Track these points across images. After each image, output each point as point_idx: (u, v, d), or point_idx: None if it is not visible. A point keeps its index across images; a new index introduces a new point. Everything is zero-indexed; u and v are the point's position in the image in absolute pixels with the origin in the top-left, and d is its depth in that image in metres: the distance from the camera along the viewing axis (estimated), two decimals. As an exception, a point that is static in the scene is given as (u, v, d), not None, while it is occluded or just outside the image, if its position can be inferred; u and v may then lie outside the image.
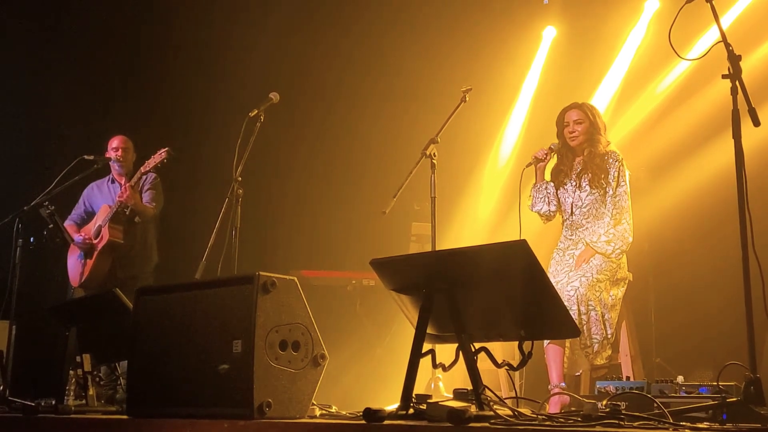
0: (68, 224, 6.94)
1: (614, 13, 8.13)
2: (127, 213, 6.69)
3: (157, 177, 6.89)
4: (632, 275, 5.59)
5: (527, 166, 5.73)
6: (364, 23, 8.73)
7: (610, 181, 5.46)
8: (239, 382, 3.21)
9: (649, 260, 7.02)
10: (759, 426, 2.65)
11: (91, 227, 6.85)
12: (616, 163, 5.50)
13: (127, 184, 6.63)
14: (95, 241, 6.72)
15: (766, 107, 5.01)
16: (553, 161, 5.81)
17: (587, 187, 5.52)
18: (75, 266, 6.82)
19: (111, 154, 6.95)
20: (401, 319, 3.81)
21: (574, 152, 5.71)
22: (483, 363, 3.28)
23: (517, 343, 3.28)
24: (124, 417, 3.66)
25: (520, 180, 5.65)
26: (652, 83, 8.08)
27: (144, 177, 6.77)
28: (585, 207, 5.53)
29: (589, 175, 5.53)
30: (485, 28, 8.39)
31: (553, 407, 4.87)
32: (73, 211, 7.06)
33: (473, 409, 2.94)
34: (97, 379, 4.49)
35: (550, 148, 5.71)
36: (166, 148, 6.56)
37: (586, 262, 5.37)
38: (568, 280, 5.32)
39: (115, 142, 6.99)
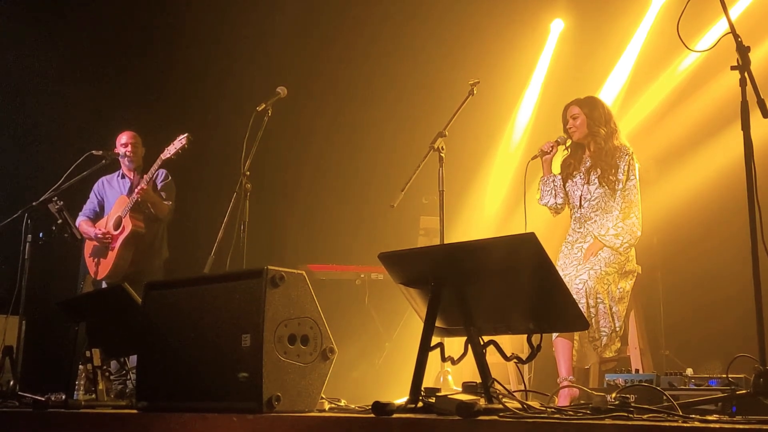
0: (83, 219, 6.96)
1: (622, 6, 8.12)
2: (147, 206, 6.73)
3: (168, 175, 6.91)
4: (641, 268, 5.59)
5: (533, 159, 5.76)
6: (372, 17, 8.72)
7: (620, 175, 5.46)
8: (248, 376, 3.22)
9: (658, 253, 7.01)
10: (769, 418, 2.64)
11: (107, 220, 6.86)
12: (626, 157, 5.50)
13: (143, 186, 6.62)
14: (116, 233, 6.73)
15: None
16: (560, 154, 5.82)
17: (596, 181, 5.53)
18: (97, 260, 6.83)
19: (120, 149, 6.96)
20: (410, 313, 3.81)
21: (581, 146, 5.72)
22: (492, 356, 3.28)
23: (525, 336, 3.28)
24: (134, 411, 3.67)
25: (525, 173, 5.66)
26: (660, 75, 8.06)
27: (157, 173, 6.77)
28: (594, 200, 5.53)
29: (599, 171, 5.54)
30: (492, 22, 8.38)
31: (562, 400, 4.87)
32: (85, 206, 7.08)
33: (482, 402, 2.94)
34: (107, 373, 4.51)
35: (556, 141, 5.73)
36: (186, 134, 6.56)
37: (594, 255, 5.37)
38: (577, 273, 5.32)
39: (123, 138, 7.00)
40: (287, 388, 3.24)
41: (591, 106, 5.69)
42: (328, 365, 3.43)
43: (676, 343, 6.95)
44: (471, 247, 3.27)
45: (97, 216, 7.05)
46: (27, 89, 8.35)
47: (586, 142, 5.68)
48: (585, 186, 5.59)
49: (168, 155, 6.60)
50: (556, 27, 8.66)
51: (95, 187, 7.11)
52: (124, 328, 4.33)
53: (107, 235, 6.73)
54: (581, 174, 5.64)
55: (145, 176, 6.72)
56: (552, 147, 5.72)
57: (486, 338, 3.30)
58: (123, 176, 7.06)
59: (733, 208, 4.53)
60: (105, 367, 4.47)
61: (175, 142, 6.58)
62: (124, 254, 6.69)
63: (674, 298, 7.07)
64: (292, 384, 3.27)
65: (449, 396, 2.99)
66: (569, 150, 5.80)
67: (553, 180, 5.77)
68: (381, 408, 2.93)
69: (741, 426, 2.30)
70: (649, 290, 6.72)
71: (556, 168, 5.88)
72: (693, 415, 2.79)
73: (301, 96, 6.96)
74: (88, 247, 6.91)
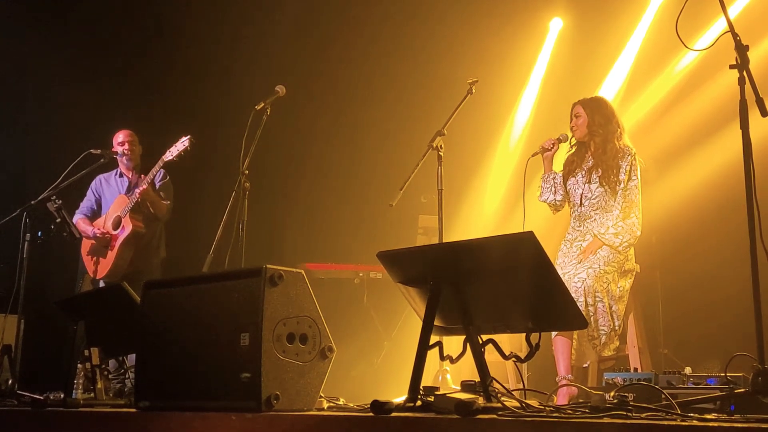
0: (80, 217, 6.94)
1: (620, 4, 8.12)
2: (147, 206, 6.72)
3: (166, 174, 6.89)
4: (640, 267, 5.59)
5: (533, 155, 5.76)
6: (371, 17, 8.72)
7: (621, 175, 5.46)
8: (250, 376, 3.22)
9: (657, 252, 7.01)
10: (767, 417, 2.64)
11: (105, 219, 6.84)
12: (629, 157, 5.50)
13: (143, 186, 6.61)
14: (115, 232, 6.71)
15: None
16: (561, 151, 5.82)
17: (597, 180, 5.53)
18: (95, 259, 6.81)
19: (117, 148, 6.95)
20: (409, 312, 3.80)
21: (585, 145, 5.72)
22: (490, 355, 3.28)
23: (524, 335, 3.28)
24: (133, 410, 3.67)
25: (525, 169, 5.66)
26: (659, 74, 8.06)
27: (156, 172, 6.75)
28: (594, 198, 5.53)
29: (600, 171, 5.54)
30: (491, 21, 8.38)
31: (561, 399, 4.88)
32: (82, 204, 7.06)
33: (481, 401, 2.94)
34: (106, 372, 4.50)
35: (558, 138, 5.73)
36: (188, 136, 6.54)
37: (593, 254, 5.37)
38: (576, 271, 5.32)
39: (120, 137, 6.99)
40: (286, 387, 3.24)
41: (594, 107, 5.69)
42: (326, 364, 3.43)
43: (674, 341, 6.95)
44: (470, 246, 3.27)
45: (94, 214, 7.03)
46: (26, 88, 8.35)
47: (587, 142, 5.69)
48: (586, 185, 5.59)
49: (170, 157, 6.56)
50: (555, 26, 8.67)
51: (92, 184, 7.09)
52: (123, 327, 4.33)
53: (106, 235, 6.72)
54: (583, 172, 5.64)
55: (145, 177, 6.71)
56: (553, 144, 5.73)
57: (485, 337, 3.30)
58: (121, 175, 7.05)
59: (732, 207, 4.53)
60: (103, 366, 4.47)
61: (177, 144, 6.55)
62: (123, 254, 6.68)
63: (673, 297, 7.07)
64: (290, 383, 3.27)
65: (448, 395, 2.99)
66: (574, 148, 5.80)
67: (554, 177, 5.78)
68: (380, 407, 2.93)
69: (739, 425, 2.30)
70: (647, 289, 6.72)
71: (559, 166, 5.87)
72: (691, 414, 2.80)
73: (300, 95, 6.97)
74: (86, 245, 6.89)
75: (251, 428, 3.06)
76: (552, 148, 5.74)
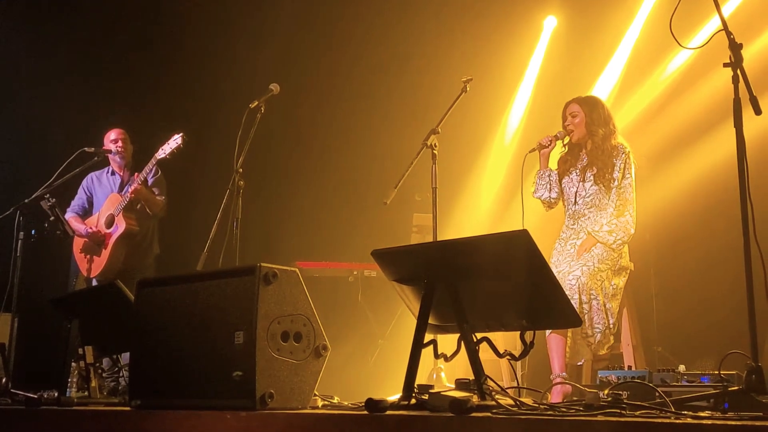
0: (71, 215, 6.93)
1: (615, 3, 8.12)
2: (139, 205, 6.72)
3: (159, 169, 6.88)
4: (634, 265, 5.59)
5: (530, 152, 5.75)
6: (364, 15, 8.71)
7: (615, 173, 5.46)
8: (243, 374, 3.21)
9: (651, 250, 7.02)
10: (761, 414, 2.64)
11: (98, 218, 6.83)
12: (623, 155, 5.50)
13: (136, 186, 6.60)
14: (108, 231, 6.70)
15: (767, 96, 5.00)
16: (557, 148, 5.82)
17: (592, 179, 5.53)
18: (88, 257, 6.80)
19: (110, 146, 6.95)
20: (403, 310, 3.81)
21: (579, 144, 5.72)
22: (485, 353, 3.27)
23: (518, 333, 3.28)
24: (127, 409, 3.66)
25: (522, 164, 5.66)
26: (653, 73, 8.07)
27: (150, 169, 6.74)
28: (589, 197, 5.53)
29: (594, 169, 5.54)
30: (486, 19, 8.38)
31: (555, 397, 4.88)
32: (73, 202, 7.05)
33: (475, 399, 2.94)
34: (100, 371, 4.49)
35: (555, 135, 5.72)
36: (181, 134, 6.53)
37: (587, 251, 5.37)
38: (570, 269, 5.32)
39: (113, 135, 6.99)
40: (280, 386, 3.23)
41: (591, 105, 5.68)
42: (321, 362, 3.42)
43: (668, 339, 6.96)
44: (464, 244, 3.27)
45: (86, 212, 7.02)
46: (20, 87, 8.32)
47: (584, 142, 5.68)
48: (581, 183, 5.60)
49: (163, 155, 6.56)
50: (549, 24, 8.67)
51: (84, 183, 7.08)
52: (117, 326, 4.32)
53: (99, 234, 6.71)
54: (577, 171, 5.65)
55: (138, 175, 6.69)
56: (551, 141, 5.72)
57: (479, 335, 3.30)
58: (113, 173, 7.05)
59: (726, 205, 4.54)
60: (98, 365, 4.46)
61: (170, 142, 6.54)
62: (117, 253, 6.68)
63: (667, 295, 7.08)
64: (285, 381, 3.26)
65: (442, 393, 2.99)
66: (567, 148, 5.80)
67: (549, 174, 5.77)
68: (374, 405, 2.93)
69: (733, 422, 2.31)
70: (641, 287, 6.72)
71: (554, 164, 5.87)
72: (685, 412, 2.80)
73: (294, 93, 6.95)
74: (78, 244, 6.88)
75: (246, 426, 3.06)
76: (549, 145, 5.73)
